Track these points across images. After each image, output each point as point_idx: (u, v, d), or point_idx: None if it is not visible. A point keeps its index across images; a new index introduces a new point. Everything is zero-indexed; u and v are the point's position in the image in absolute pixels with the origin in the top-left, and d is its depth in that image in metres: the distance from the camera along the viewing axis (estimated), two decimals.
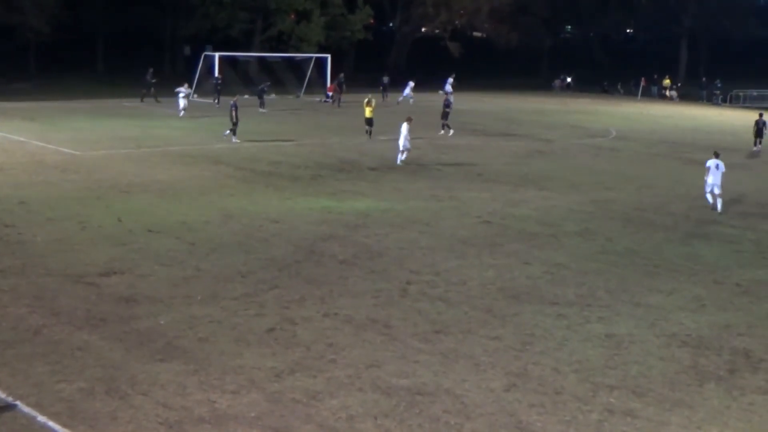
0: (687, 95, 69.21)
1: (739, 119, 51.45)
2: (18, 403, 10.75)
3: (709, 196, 24.62)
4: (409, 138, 29.77)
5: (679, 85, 70.94)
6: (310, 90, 55.10)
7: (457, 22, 75.89)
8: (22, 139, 32.69)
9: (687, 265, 18.50)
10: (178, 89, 42.10)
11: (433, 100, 41.14)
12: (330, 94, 52.82)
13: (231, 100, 34.49)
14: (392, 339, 13.48)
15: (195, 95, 46.08)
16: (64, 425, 10.27)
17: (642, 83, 70.59)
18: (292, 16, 64.41)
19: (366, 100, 36.65)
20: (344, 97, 51.07)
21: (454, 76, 59.02)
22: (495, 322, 14.50)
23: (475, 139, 38.57)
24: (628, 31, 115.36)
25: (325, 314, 14.46)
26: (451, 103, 40.41)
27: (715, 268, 18.51)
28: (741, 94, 67.28)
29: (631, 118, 52.33)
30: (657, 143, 40.00)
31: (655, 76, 72.13)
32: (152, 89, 47.60)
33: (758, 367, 13.00)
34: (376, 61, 70.88)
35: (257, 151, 31.72)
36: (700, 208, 24.57)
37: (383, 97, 53.39)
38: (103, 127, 37.28)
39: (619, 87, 73.10)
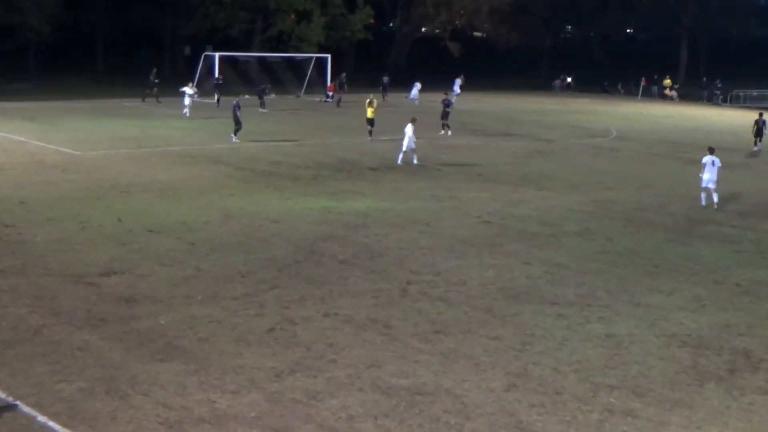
0: (687, 95, 69.22)
1: (739, 119, 51.45)
2: (18, 403, 10.75)
3: (703, 195, 24.68)
4: (414, 139, 29.76)
5: (677, 86, 70.88)
6: (310, 90, 55.12)
7: (457, 22, 75.90)
8: (22, 139, 32.69)
9: (687, 265, 18.50)
10: (183, 89, 42.03)
11: (437, 100, 41.11)
12: (330, 93, 52.87)
13: (234, 101, 34.53)
14: (392, 339, 13.47)
15: (196, 95, 45.98)
16: (64, 425, 10.27)
17: (642, 83, 70.60)
18: (292, 16, 64.42)
19: (368, 100, 36.65)
20: (345, 97, 51.07)
21: (462, 76, 59.11)
22: (495, 322, 14.50)
23: (475, 139, 38.58)
24: (628, 31, 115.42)
25: (325, 314, 14.46)
26: (451, 103, 40.41)
27: (715, 268, 18.51)
28: (741, 94, 67.30)
29: (632, 118, 52.33)
30: (657, 143, 40.00)
31: (656, 76, 72.14)
32: (155, 89, 47.64)
33: (758, 367, 13.00)
34: (376, 61, 70.91)
35: (257, 151, 31.72)
36: (700, 208, 24.57)
37: (383, 96, 53.40)
38: (103, 127, 37.29)
39: (619, 87, 73.10)
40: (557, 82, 72.73)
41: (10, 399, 10.84)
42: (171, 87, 48.14)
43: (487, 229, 21.13)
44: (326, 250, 18.49)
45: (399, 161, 29.78)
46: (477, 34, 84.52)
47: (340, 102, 50.39)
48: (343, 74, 53.92)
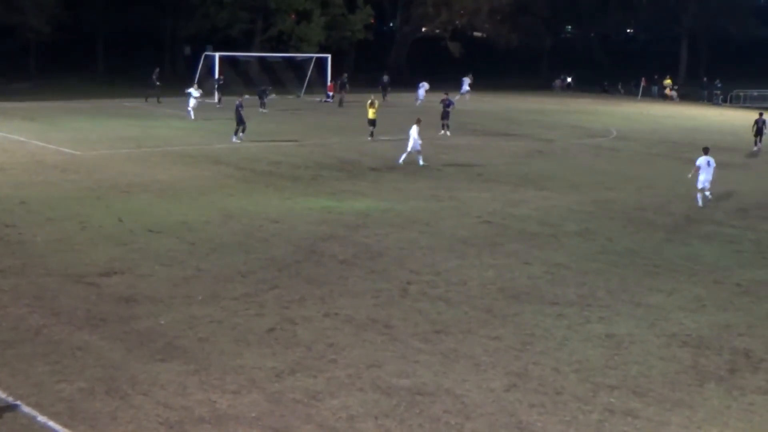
0: (687, 95, 69.21)
1: (739, 119, 51.45)
2: (18, 403, 10.75)
3: (699, 196, 24.72)
4: (419, 141, 29.75)
5: (677, 87, 70.89)
6: (310, 90, 55.11)
7: (457, 22, 75.83)
8: (22, 139, 32.69)
9: (687, 265, 18.50)
10: (188, 90, 41.98)
11: (437, 100, 41.13)
12: (331, 93, 52.85)
13: (237, 101, 34.54)
14: (392, 339, 13.48)
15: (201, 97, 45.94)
16: (65, 425, 10.27)
17: (642, 83, 70.59)
18: (293, 16, 64.41)
19: (369, 101, 36.65)
20: (346, 97, 51.03)
21: (471, 75, 59.05)
22: (495, 322, 14.51)
23: (475, 139, 38.57)
24: (628, 31, 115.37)
25: (325, 314, 14.47)
26: (452, 103, 40.39)
27: (715, 268, 18.51)
28: (741, 94, 67.29)
29: (632, 118, 52.33)
30: (657, 143, 39.99)
31: (656, 76, 72.12)
32: (156, 89, 47.64)
33: (758, 367, 13.00)
34: (376, 61, 70.89)
35: (257, 151, 31.72)
36: (700, 208, 24.57)
37: (383, 96, 53.39)
38: (104, 127, 37.29)
39: (619, 87, 73.09)
40: (557, 82, 72.72)
41: (10, 399, 10.84)
42: (171, 87, 48.16)
43: (488, 229, 21.14)
44: (326, 250, 18.49)
45: (401, 161, 29.76)
46: (477, 34, 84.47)
47: (343, 102, 50.31)
48: (345, 75, 53.88)
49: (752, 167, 34.38)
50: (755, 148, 38.53)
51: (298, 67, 57.62)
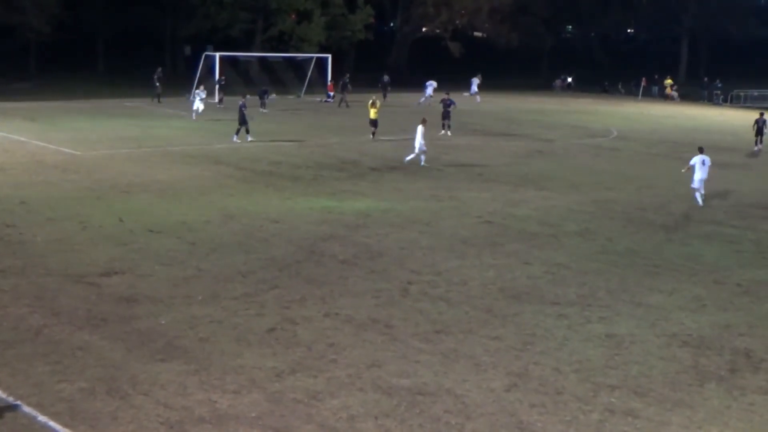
0: (687, 95, 69.21)
1: (739, 119, 51.45)
2: (19, 403, 10.75)
3: (697, 194, 24.75)
4: (423, 142, 29.74)
5: (676, 87, 70.89)
6: (310, 90, 55.09)
7: (457, 21, 75.84)
8: (22, 139, 32.69)
9: (687, 265, 18.50)
10: (196, 91, 41.93)
11: (437, 99, 41.19)
12: (331, 93, 52.82)
13: (240, 101, 34.54)
14: (393, 339, 13.48)
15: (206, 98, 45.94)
16: (65, 425, 10.27)
17: (642, 83, 70.59)
18: (293, 16, 64.40)
19: (371, 101, 36.65)
20: (347, 97, 50.96)
21: (480, 75, 58.95)
22: (496, 322, 14.51)
23: (475, 139, 38.57)
24: (628, 31, 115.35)
25: (325, 314, 14.47)
26: (453, 103, 40.40)
27: (716, 268, 18.51)
28: (742, 94, 67.29)
29: (632, 118, 52.32)
30: (657, 143, 39.99)
31: (656, 76, 72.12)
32: (158, 88, 47.63)
33: (759, 367, 13.00)
34: (376, 61, 70.88)
35: (257, 151, 31.72)
36: (700, 208, 24.58)
37: (383, 96, 53.36)
38: (104, 127, 37.29)
39: (619, 87, 73.08)
40: (557, 82, 72.70)
41: (11, 399, 10.84)
42: (171, 87, 48.16)
43: (488, 229, 21.14)
44: (327, 250, 18.49)
45: (407, 160, 29.71)
46: (477, 34, 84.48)
47: (345, 103, 50.12)
48: (347, 75, 53.82)
49: (752, 167, 34.38)
50: (756, 148, 38.53)
51: (299, 67, 57.60)
